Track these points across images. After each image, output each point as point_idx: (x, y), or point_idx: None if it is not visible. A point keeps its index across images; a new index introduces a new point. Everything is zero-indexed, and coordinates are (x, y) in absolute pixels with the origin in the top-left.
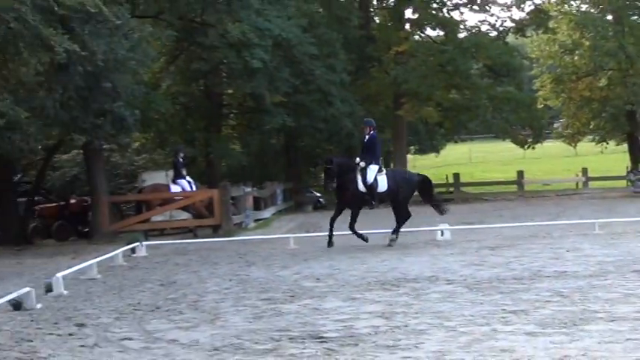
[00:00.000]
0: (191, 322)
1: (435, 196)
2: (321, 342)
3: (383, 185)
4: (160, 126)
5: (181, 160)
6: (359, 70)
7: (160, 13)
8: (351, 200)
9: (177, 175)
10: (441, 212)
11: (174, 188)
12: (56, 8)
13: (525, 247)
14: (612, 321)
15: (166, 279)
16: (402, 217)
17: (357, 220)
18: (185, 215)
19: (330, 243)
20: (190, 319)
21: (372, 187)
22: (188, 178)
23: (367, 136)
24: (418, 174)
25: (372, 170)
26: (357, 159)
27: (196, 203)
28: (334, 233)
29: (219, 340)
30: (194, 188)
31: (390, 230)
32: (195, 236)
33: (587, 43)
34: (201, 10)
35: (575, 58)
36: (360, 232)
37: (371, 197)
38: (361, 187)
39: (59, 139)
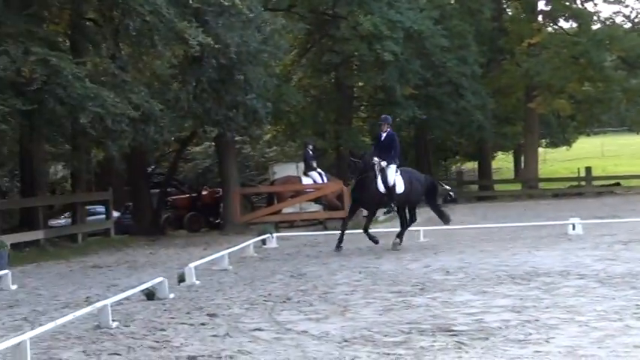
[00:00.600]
0: (321, 314)
1: (438, 202)
2: (451, 335)
3: (400, 186)
4: (291, 118)
5: (310, 152)
6: (490, 63)
7: (292, 6)
8: (371, 201)
9: (308, 168)
10: (446, 221)
11: (306, 180)
12: (190, 1)
13: None
14: None
15: (297, 270)
16: (411, 219)
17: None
18: (315, 207)
19: (338, 246)
20: (320, 310)
21: (392, 189)
22: (319, 170)
23: (384, 134)
24: (425, 176)
25: (392, 170)
26: (375, 158)
27: (328, 195)
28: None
29: (350, 332)
30: (325, 180)
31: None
32: (326, 228)
33: None
34: (332, 2)
35: None
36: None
37: (389, 199)
38: (381, 187)
39: (192, 131)
